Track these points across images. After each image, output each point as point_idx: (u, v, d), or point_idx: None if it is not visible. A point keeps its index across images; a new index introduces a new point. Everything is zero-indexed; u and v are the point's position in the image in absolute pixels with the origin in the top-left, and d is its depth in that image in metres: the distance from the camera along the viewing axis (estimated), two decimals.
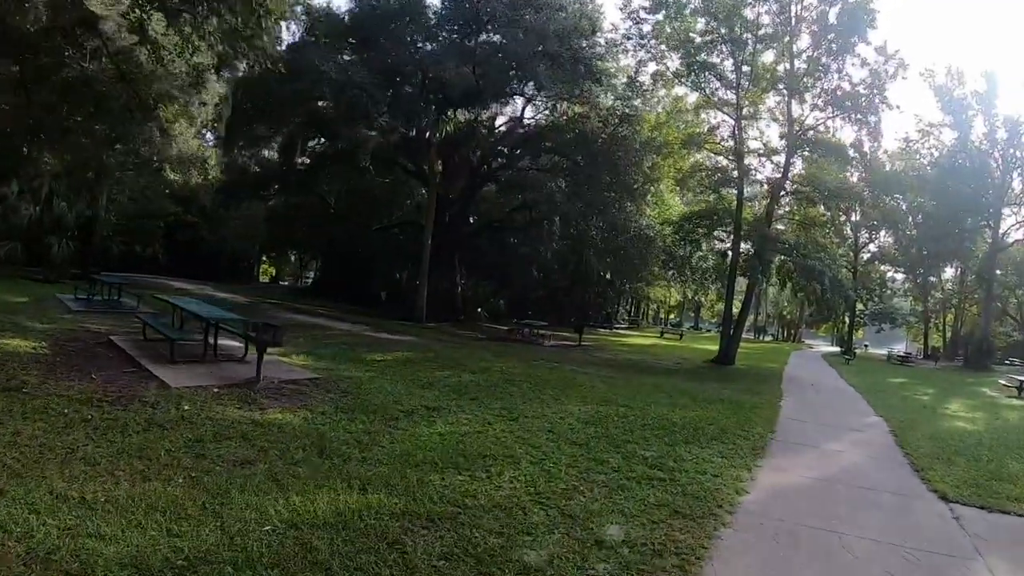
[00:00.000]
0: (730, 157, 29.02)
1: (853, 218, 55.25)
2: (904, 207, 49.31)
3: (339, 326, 23.46)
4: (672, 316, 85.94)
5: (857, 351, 55.93)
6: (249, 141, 32.69)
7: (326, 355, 14.61)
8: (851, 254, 55.95)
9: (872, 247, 61.73)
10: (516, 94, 33.94)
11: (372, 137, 29.68)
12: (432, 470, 6.96)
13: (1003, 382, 28.06)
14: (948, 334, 64.13)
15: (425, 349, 18.74)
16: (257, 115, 29.47)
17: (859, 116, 27.34)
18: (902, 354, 51.35)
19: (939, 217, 47.90)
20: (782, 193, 28.73)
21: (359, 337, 20.31)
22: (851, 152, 29.16)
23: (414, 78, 30.28)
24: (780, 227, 31.28)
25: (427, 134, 32.67)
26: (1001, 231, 47.84)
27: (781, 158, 28.62)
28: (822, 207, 28.91)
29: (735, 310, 29.27)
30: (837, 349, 57.78)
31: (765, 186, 29.50)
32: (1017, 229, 50.93)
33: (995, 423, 16.08)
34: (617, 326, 54.71)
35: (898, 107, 27.51)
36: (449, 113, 32.91)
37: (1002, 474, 9.94)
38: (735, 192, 29.09)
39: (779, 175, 28.43)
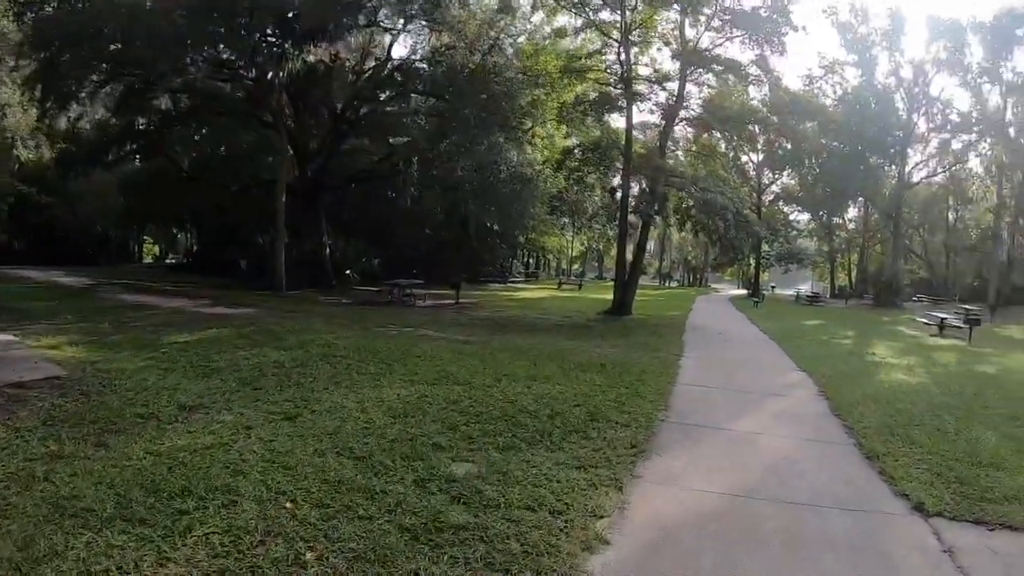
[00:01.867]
0: (618, 86, 25.57)
1: (756, 158, 54.03)
2: (811, 134, 48.14)
3: (171, 304, 19.27)
4: (576, 267, 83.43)
5: (764, 293, 55.05)
6: (59, 96, 27.36)
7: (112, 343, 11.13)
8: (755, 195, 55.26)
9: (776, 187, 61.28)
10: (365, 24, 29.37)
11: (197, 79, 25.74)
12: (80, 527, 4.24)
13: (923, 320, 26.78)
14: (854, 273, 64.24)
15: (251, 323, 14.82)
16: (64, 64, 24.55)
17: (760, 37, 24.40)
18: (810, 294, 50.37)
19: (844, 156, 47.30)
20: (677, 121, 25.67)
21: (182, 315, 16.43)
22: (753, 70, 26.10)
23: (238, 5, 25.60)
24: (681, 157, 28.52)
25: (269, 75, 28.14)
26: (907, 169, 48.85)
27: (675, 85, 25.51)
28: (722, 139, 25.99)
29: (629, 255, 26.26)
30: (744, 292, 56.73)
31: (658, 114, 26.29)
32: (921, 168, 52.21)
33: (936, 371, 13.61)
34: (513, 280, 51.81)
35: (803, 28, 24.62)
36: (290, 48, 28.13)
37: (982, 455, 7.09)
38: (624, 124, 25.91)
39: (674, 102, 25.30)
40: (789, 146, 47.37)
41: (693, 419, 8.22)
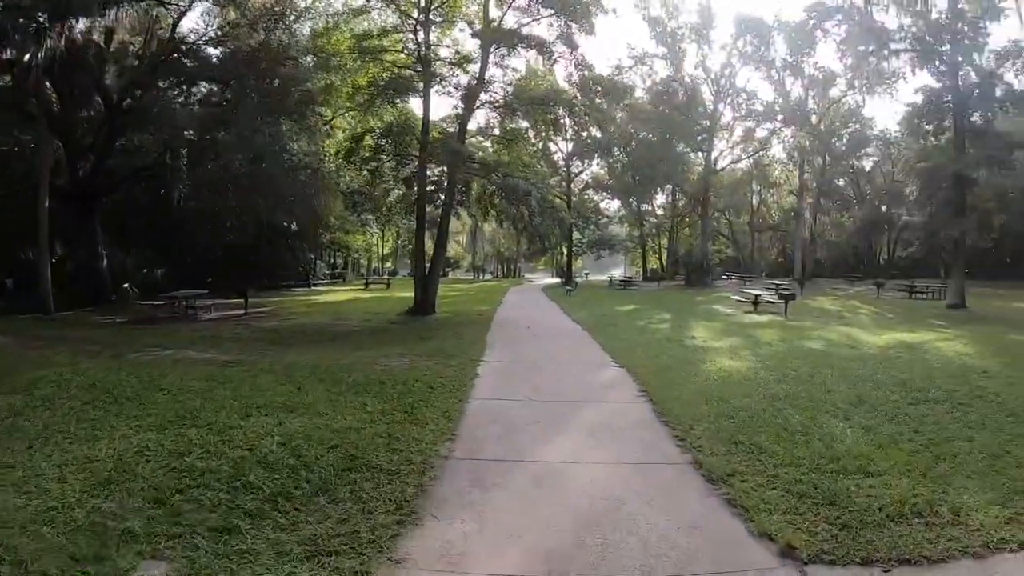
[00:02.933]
0: (417, 68, 23.46)
1: (566, 147, 54.09)
2: (619, 122, 48.63)
3: None
4: (388, 265, 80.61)
5: (578, 280, 55.28)
6: None
7: None
8: (564, 184, 55.31)
9: (586, 176, 61.92)
10: None
11: None
12: None
13: (737, 297, 26.93)
14: (665, 256, 65.89)
15: None
16: None
17: (568, 18, 23.22)
18: (623, 279, 50.78)
19: (651, 144, 48.54)
20: (478, 104, 23.98)
21: None
22: (559, 47, 24.71)
23: None
24: (488, 146, 26.92)
25: (27, 56, 23.69)
26: (713, 156, 50.63)
27: (478, 67, 23.75)
28: (529, 126, 24.64)
29: (429, 248, 24.35)
30: (558, 281, 56.45)
31: (458, 96, 24.36)
32: (727, 155, 54.43)
33: (763, 352, 12.62)
34: (318, 283, 48.52)
35: (614, 11, 23.67)
36: (45, 22, 23.82)
37: (843, 457, 5.92)
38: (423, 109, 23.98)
39: (475, 84, 23.58)
40: (597, 133, 47.59)
41: (487, 451, 6.34)
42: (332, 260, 59.24)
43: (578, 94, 28.63)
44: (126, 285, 32.61)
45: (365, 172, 26.17)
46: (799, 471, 5.47)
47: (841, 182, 60.52)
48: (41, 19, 22.31)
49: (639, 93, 49.09)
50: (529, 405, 8.29)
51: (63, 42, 24.75)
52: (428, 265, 23.77)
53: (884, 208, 57.06)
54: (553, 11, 23.35)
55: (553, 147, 54.37)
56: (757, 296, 24.04)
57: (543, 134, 37.93)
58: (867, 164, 60.82)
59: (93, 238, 28.28)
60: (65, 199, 25.72)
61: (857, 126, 54.16)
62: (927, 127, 28.96)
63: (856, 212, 59.91)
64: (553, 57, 24.39)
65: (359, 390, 8.67)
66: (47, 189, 24.16)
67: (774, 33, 44.59)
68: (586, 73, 27.10)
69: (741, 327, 17.92)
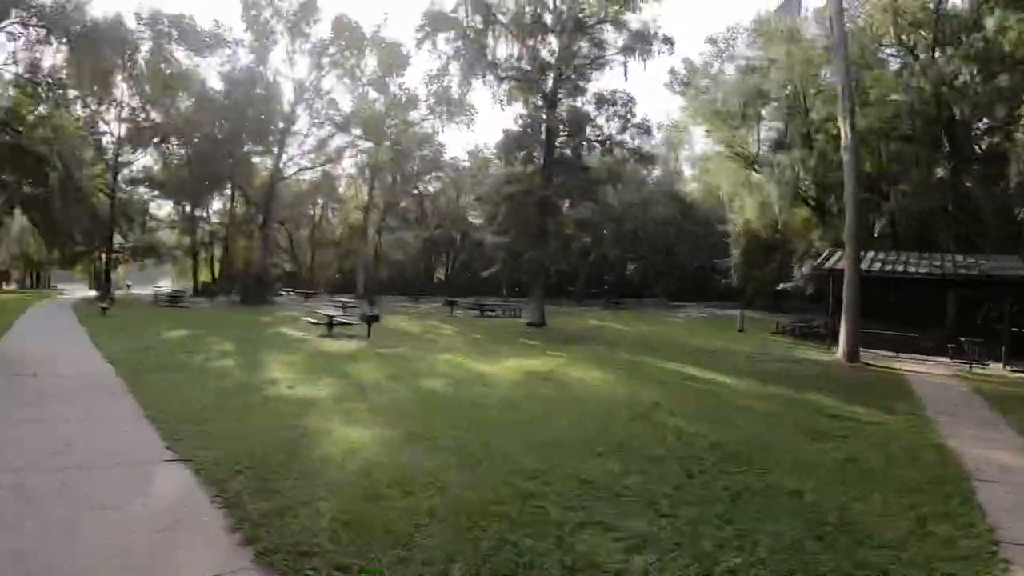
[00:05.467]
0: None
1: (118, 130, 45.64)
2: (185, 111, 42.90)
3: None
4: None
5: (118, 293, 47.37)
6: None
7: None
8: (110, 176, 45.73)
9: (136, 168, 52.28)
10: None
11: None
12: None
13: (308, 318, 24.27)
14: (218, 268, 60.00)
15: None
16: None
17: None
18: (171, 293, 43.96)
19: (216, 139, 43.37)
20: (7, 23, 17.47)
21: None
22: None
23: None
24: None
25: None
26: (283, 161, 47.22)
27: None
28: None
29: None
30: (95, 293, 47.80)
31: None
32: (296, 162, 50.97)
33: (383, 403, 9.85)
34: None
35: None
36: None
37: None
38: None
39: None
40: (158, 117, 42.27)
41: None
42: None
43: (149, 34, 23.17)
44: None
45: None
46: None
47: (403, 203, 61.25)
48: None
49: (213, 79, 45.04)
50: None
51: None
52: None
53: (444, 231, 58.94)
54: None
55: (103, 126, 45.98)
56: (332, 318, 21.28)
57: (90, 103, 31.63)
58: (432, 187, 62.83)
59: None
60: None
61: (429, 151, 55.05)
62: (519, 154, 29.79)
63: (420, 231, 60.84)
64: None
65: None
66: None
67: (367, 46, 44.45)
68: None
69: (329, 360, 14.93)
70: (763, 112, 42.35)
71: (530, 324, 27.58)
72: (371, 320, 20.59)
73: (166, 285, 62.35)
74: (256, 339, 19.71)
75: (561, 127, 28.67)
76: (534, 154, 29.45)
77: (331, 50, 44.52)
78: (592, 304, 48.61)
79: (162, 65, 39.87)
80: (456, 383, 12.23)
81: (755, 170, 42.22)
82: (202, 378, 12.13)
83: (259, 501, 5.72)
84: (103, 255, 49.58)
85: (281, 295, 48.92)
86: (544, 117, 28.70)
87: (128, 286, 62.20)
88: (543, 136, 29.11)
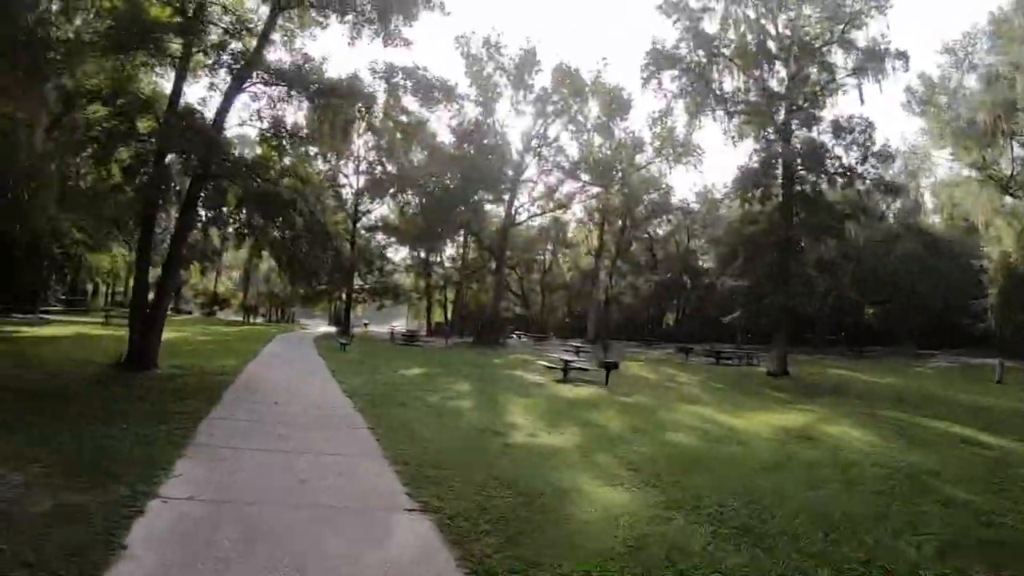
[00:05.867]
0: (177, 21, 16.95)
1: (357, 183, 49.31)
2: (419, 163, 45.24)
3: None
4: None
5: (356, 331, 50.12)
6: None
7: None
8: (350, 223, 49.42)
9: (374, 217, 56.32)
10: None
11: None
12: None
13: (543, 362, 23.74)
14: (451, 310, 62.03)
15: None
16: None
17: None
18: (407, 332, 45.46)
19: (449, 189, 45.05)
20: (248, 85, 17.75)
21: None
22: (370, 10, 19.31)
23: None
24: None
25: None
26: (514, 208, 48.35)
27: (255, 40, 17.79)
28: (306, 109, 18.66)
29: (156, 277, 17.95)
30: (335, 329, 50.51)
31: (224, 70, 18.02)
32: (527, 208, 52.24)
33: (634, 460, 8.60)
34: (48, 311, 38.79)
35: (441, 5, 19.27)
36: None
37: None
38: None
39: (251, 55, 17.44)
40: (393, 169, 44.82)
41: None
42: (73, 283, 49.05)
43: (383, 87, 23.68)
44: None
45: (91, 163, 19.09)
46: None
47: (634, 247, 60.42)
48: None
49: (444, 132, 46.46)
50: None
51: None
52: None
53: (674, 275, 57.54)
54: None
55: (343, 178, 49.51)
56: (568, 363, 20.21)
57: (331, 157, 33.31)
58: (661, 231, 61.94)
59: None
60: None
61: (657, 194, 54.06)
62: (755, 192, 27.62)
63: (651, 276, 59.80)
64: (359, 27, 19.22)
65: None
66: None
67: (588, 92, 44.53)
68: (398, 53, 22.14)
69: (568, 406, 13.93)
70: (1016, 127, 36.83)
71: (770, 373, 25.40)
72: (609, 366, 19.41)
73: (401, 324, 65.14)
74: (491, 380, 19.24)
75: (798, 160, 26.44)
76: (772, 191, 27.42)
77: (554, 98, 44.92)
78: (829, 352, 44.54)
79: (399, 115, 41.66)
80: (706, 438, 10.91)
81: (1011, 194, 37.38)
82: (439, 418, 11.53)
83: (510, 573, 4.67)
84: (343, 294, 52.63)
85: (512, 337, 49.52)
86: (780, 151, 26.73)
87: (366, 324, 65.85)
88: (779, 171, 27.23)
